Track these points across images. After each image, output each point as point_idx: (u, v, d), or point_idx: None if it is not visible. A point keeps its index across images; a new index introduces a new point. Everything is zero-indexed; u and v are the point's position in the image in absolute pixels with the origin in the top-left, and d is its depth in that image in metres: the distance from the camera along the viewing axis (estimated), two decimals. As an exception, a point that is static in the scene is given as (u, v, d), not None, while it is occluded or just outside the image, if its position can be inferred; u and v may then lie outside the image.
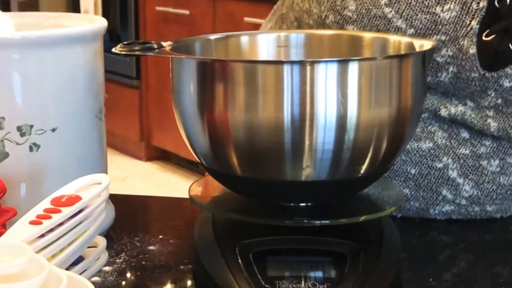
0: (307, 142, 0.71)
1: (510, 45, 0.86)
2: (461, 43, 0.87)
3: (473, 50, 0.87)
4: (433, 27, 0.87)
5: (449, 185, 0.93)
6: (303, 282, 0.73)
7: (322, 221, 0.75)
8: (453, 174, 0.92)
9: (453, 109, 0.91)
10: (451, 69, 0.88)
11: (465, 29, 0.87)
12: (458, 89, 0.90)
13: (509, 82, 0.87)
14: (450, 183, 0.93)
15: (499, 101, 0.89)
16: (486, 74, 0.87)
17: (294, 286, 0.73)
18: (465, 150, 0.92)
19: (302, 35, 0.90)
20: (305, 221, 0.76)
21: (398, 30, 0.88)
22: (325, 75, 0.70)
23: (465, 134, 0.92)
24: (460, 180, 0.92)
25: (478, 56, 0.87)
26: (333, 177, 0.74)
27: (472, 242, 0.93)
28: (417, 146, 0.92)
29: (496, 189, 0.93)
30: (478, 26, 0.86)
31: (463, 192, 0.93)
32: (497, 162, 0.92)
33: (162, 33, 3.59)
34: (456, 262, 0.88)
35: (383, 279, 0.75)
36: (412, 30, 0.88)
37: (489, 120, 0.90)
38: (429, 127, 0.92)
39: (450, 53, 0.88)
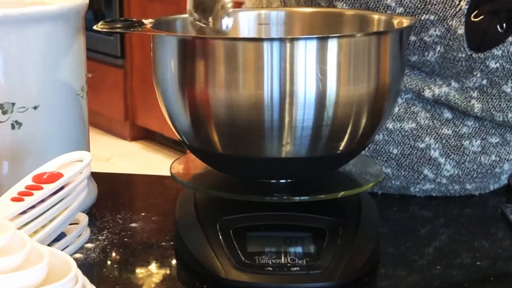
0: (287, 119, 0.72)
1: (498, 26, 0.86)
2: (450, 23, 0.87)
3: (461, 30, 0.87)
4: (422, 6, 0.88)
5: (430, 165, 0.93)
6: (282, 258, 0.74)
7: (302, 198, 0.76)
8: (435, 154, 0.93)
9: (437, 90, 0.91)
10: (438, 48, 0.89)
11: (454, 9, 0.87)
12: (444, 69, 0.90)
13: (495, 63, 0.88)
14: (432, 162, 0.93)
15: (484, 82, 0.89)
16: (473, 55, 0.88)
17: (274, 261, 0.74)
18: (448, 130, 0.92)
19: (283, 12, 0.90)
20: (285, 197, 0.77)
21: (387, 8, 0.88)
22: (305, 52, 0.71)
23: (448, 115, 0.93)
24: (442, 160, 0.93)
25: (466, 37, 0.87)
26: (313, 154, 0.75)
27: (452, 216, 0.94)
28: (400, 126, 0.93)
29: (476, 168, 0.94)
30: (467, 7, 0.87)
31: (444, 171, 0.94)
32: (478, 142, 0.93)
33: (146, 12, 3.57)
34: (436, 236, 0.89)
35: (361, 254, 0.76)
36: (401, 9, 0.88)
37: (473, 101, 0.91)
38: (412, 108, 0.93)
39: (438, 33, 0.88)
